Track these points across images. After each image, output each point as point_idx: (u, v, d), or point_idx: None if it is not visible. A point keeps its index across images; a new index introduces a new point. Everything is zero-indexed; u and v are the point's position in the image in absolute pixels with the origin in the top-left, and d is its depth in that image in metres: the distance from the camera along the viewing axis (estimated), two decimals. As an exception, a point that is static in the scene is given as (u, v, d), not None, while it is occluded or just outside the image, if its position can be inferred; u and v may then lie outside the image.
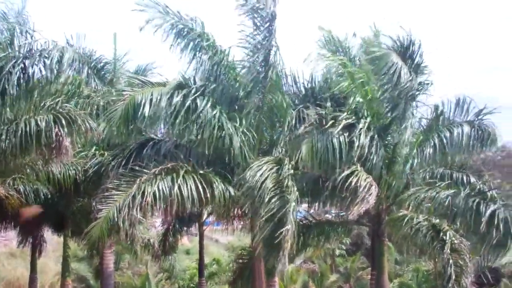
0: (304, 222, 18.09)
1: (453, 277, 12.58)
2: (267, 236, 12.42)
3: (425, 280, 25.52)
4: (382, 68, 14.03)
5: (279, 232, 12.06)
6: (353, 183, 13.09)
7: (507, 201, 14.99)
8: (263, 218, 12.37)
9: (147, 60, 18.49)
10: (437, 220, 13.56)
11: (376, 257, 15.40)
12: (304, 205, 17.19)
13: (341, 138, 13.63)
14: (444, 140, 15.41)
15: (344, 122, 13.71)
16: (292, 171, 13.04)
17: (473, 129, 15.66)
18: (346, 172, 13.29)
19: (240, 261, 18.50)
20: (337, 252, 32.10)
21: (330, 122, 13.64)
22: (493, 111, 15.76)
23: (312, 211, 18.64)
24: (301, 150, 13.43)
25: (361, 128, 13.81)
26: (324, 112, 13.96)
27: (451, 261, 12.74)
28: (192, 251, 35.73)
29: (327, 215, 20.19)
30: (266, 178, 12.71)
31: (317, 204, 15.83)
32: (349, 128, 13.80)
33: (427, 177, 16.04)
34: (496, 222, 13.91)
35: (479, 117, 15.83)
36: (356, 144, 13.68)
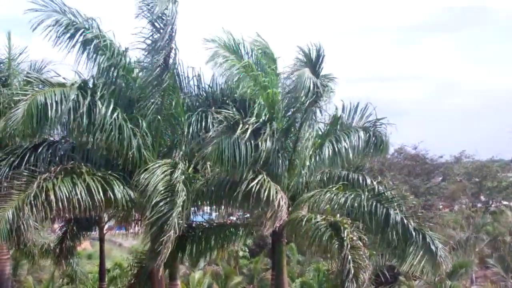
0: (206, 225, 18.16)
1: (352, 272, 12.86)
2: (152, 240, 12.33)
3: (326, 280, 26.17)
4: (295, 80, 14.11)
5: (161, 238, 12.03)
6: (263, 194, 13.16)
7: (403, 203, 15.63)
8: (149, 221, 12.27)
9: (45, 59, 17.57)
10: (335, 218, 13.82)
11: (276, 257, 15.59)
12: (207, 208, 17.12)
13: (248, 143, 13.62)
14: (341, 145, 15.80)
15: (252, 126, 13.75)
16: (183, 177, 12.96)
17: (368, 135, 16.15)
18: (255, 182, 13.32)
19: (139, 264, 18.25)
20: (241, 253, 32.30)
21: (240, 126, 13.66)
22: (384, 119, 16.21)
23: (216, 214, 18.68)
24: (209, 153, 13.31)
25: (266, 132, 13.90)
26: (230, 116, 13.94)
27: (349, 257, 13.03)
28: (95, 256, 34.90)
29: (231, 217, 20.23)
30: (158, 181, 12.61)
31: (223, 207, 15.74)
32: (255, 132, 13.83)
33: (325, 178, 16.45)
34: (392, 223, 14.45)
35: (375, 124, 16.31)
36: (262, 148, 13.76)
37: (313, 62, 14.27)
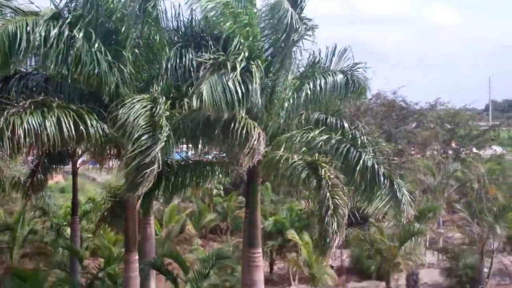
0: (182, 162, 18.14)
1: (331, 208, 13.01)
2: (132, 173, 12.17)
3: (298, 219, 26.61)
4: (274, 15, 13.78)
5: (143, 171, 11.89)
6: (241, 131, 13.01)
7: (375, 147, 15.77)
8: (131, 154, 12.10)
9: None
10: (313, 157, 13.86)
11: (250, 196, 15.70)
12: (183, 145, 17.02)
13: (236, 82, 13.11)
14: (319, 87, 15.70)
15: (239, 65, 13.28)
16: (167, 112, 12.76)
17: (346, 78, 16.02)
18: (235, 121, 13.12)
19: (113, 199, 18.25)
20: (215, 191, 32.59)
21: (229, 65, 13.32)
22: (362, 64, 16.11)
23: (192, 151, 18.61)
24: (200, 91, 12.94)
25: (254, 71, 13.53)
26: (217, 56, 13.54)
27: (328, 194, 13.14)
28: (68, 190, 34.81)
29: (207, 156, 20.22)
30: (138, 116, 12.36)
31: (200, 146, 15.61)
32: (242, 71, 13.36)
33: (303, 121, 16.43)
34: (363, 167, 14.57)
35: (353, 68, 16.19)
36: (252, 87, 13.45)
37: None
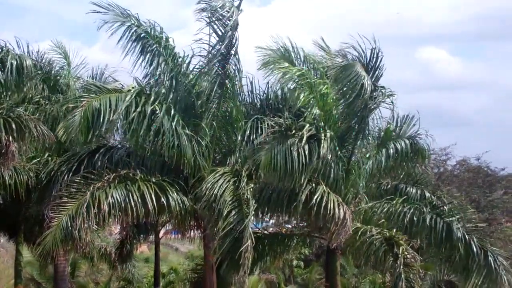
0: (262, 233, 18.11)
1: None
2: (226, 250, 12.34)
3: (382, 293, 25.64)
4: (345, 78, 13.88)
5: (239, 249, 12.06)
6: (324, 207, 12.92)
7: (463, 216, 15.21)
8: (222, 232, 12.27)
9: (104, 66, 17.90)
10: (391, 233, 13.57)
11: (330, 268, 15.41)
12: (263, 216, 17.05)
13: (301, 150, 13.28)
14: (391, 154, 15.47)
15: (306, 133, 13.48)
16: (251, 185, 12.94)
17: (411, 144, 15.72)
18: (317, 194, 13.06)
19: (196, 272, 18.37)
20: (295, 262, 32.12)
21: (292, 132, 13.50)
22: (427, 133, 15.83)
23: (272, 221, 18.61)
24: (260, 160, 13.22)
25: (323, 140, 13.64)
26: (283, 122, 13.79)
27: (403, 275, 12.78)
28: (152, 259, 35.26)
29: (287, 226, 20.14)
30: (224, 191, 12.62)
31: (280, 216, 15.64)
32: (309, 139, 13.58)
33: (382, 190, 16.17)
34: (453, 239, 14.09)
35: (416, 134, 15.87)
36: (316, 155, 13.50)
37: (367, 61, 14.00)
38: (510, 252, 29.62)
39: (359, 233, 13.62)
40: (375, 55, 13.93)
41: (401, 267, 12.82)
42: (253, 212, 12.48)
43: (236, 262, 12.27)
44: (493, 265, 14.03)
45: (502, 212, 38.25)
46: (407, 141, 15.67)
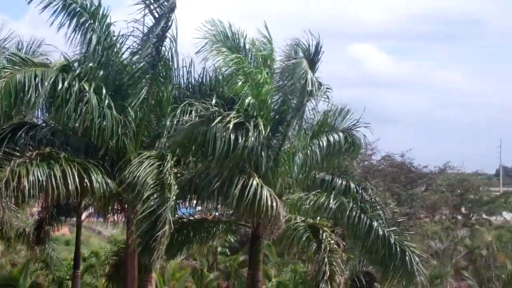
0: (188, 219, 17.97)
1: (327, 274, 12.81)
2: (143, 234, 12.12)
3: (302, 281, 26.07)
4: (286, 72, 13.91)
5: (155, 233, 11.88)
6: (257, 199, 12.86)
7: (385, 210, 15.63)
8: (141, 215, 12.07)
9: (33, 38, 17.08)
10: (315, 220, 13.76)
11: (253, 255, 15.47)
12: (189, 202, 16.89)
13: (228, 136, 13.27)
14: (324, 146, 15.64)
15: (234, 120, 13.45)
16: (175, 169, 12.80)
17: (345, 137, 15.83)
18: (252, 189, 12.97)
19: (117, 255, 18.05)
20: (220, 249, 32.16)
21: (219, 118, 13.40)
22: (361, 123, 16.00)
23: (199, 208, 18.48)
24: (179, 140, 13.06)
25: (251, 129, 13.60)
26: (212, 108, 13.69)
27: (326, 259, 13.01)
28: (73, 242, 34.44)
29: (214, 213, 20.07)
30: (147, 174, 12.40)
31: (210, 204, 15.55)
32: (236, 127, 13.57)
33: (309, 181, 16.33)
34: (374, 234, 14.44)
35: (353, 127, 16.02)
36: (244, 144, 13.49)
37: (311, 57, 13.94)
38: (427, 246, 30.93)
39: (284, 221, 13.67)
40: (315, 50, 13.95)
41: (325, 252, 13.04)
42: (174, 197, 12.34)
43: (152, 246, 12.09)
44: (409, 262, 14.47)
45: (422, 207, 39.77)
46: (341, 134, 15.81)
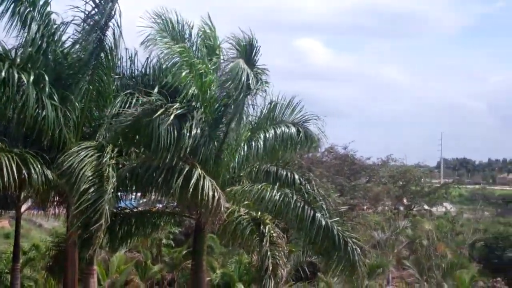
0: (131, 210, 17.75)
1: (270, 268, 12.88)
2: (82, 227, 11.91)
3: (247, 272, 26.22)
4: (232, 75, 13.82)
5: (90, 226, 11.71)
6: (198, 189, 12.74)
7: (328, 201, 15.79)
8: (79, 208, 11.83)
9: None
10: (258, 214, 13.80)
11: (197, 247, 15.42)
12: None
13: (170, 128, 13.18)
14: (271, 139, 15.72)
15: (176, 111, 13.42)
16: (113, 161, 12.58)
17: (298, 131, 16.02)
18: (194, 179, 12.86)
19: (57, 247, 17.68)
20: (164, 242, 31.99)
21: (162, 110, 13.28)
22: (319, 116, 16.23)
23: (144, 200, 18.25)
24: (121, 130, 12.85)
25: (193, 120, 13.61)
26: (155, 99, 13.55)
27: (269, 253, 13.06)
28: (13, 235, 33.58)
29: (158, 205, 19.90)
30: (85, 166, 12.14)
31: (153, 196, 15.34)
32: (179, 118, 13.49)
33: (254, 173, 16.37)
34: (317, 226, 14.56)
35: (305, 121, 16.25)
36: (188, 135, 13.47)
37: (247, 52, 13.93)
38: (369, 237, 31.61)
39: (228, 213, 13.68)
40: (253, 45, 13.93)
41: (267, 245, 13.08)
42: (112, 190, 12.12)
43: (88, 239, 11.91)
44: (351, 252, 14.67)
45: (365, 198, 40.55)
46: (292, 127, 15.89)
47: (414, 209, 48.85)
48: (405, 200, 49.49)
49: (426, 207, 51.09)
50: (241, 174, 15.87)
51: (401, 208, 48.10)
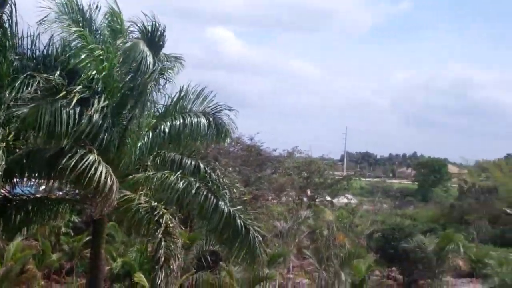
0: (27, 197, 17.12)
1: (163, 259, 12.87)
2: None
3: (148, 261, 25.94)
4: (130, 56, 13.56)
5: None
6: (94, 175, 12.52)
7: (233, 191, 15.94)
8: None
9: None
10: (156, 203, 13.72)
11: (95, 235, 15.16)
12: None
13: (72, 112, 12.86)
14: (179, 128, 15.62)
15: (78, 95, 13.06)
16: (3, 144, 12.08)
17: (208, 120, 15.91)
18: (87, 162, 12.60)
19: None
20: (63, 230, 31.15)
21: (63, 93, 12.89)
22: (231, 107, 16.18)
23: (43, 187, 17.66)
24: (26, 116, 12.41)
25: (95, 104, 13.31)
26: (55, 81, 13.11)
27: (163, 243, 13.04)
28: None
29: (57, 192, 19.29)
30: None
31: (50, 181, 14.86)
32: (80, 102, 13.15)
33: (158, 161, 16.24)
34: (220, 214, 14.65)
35: (216, 111, 16.17)
36: (88, 120, 13.15)
37: (151, 36, 13.81)
38: (272, 226, 32.18)
39: (127, 201, 13.52)
40: (157, 29, 13.80)
41: (163, 235, 13.05)
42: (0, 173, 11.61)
43: None
44: (252, 240, 14.92)
45: (270, 189, 41.14)
46: (202, 117, 15.76)
47: (317, 200, 50.14)
48: (308, 191, 50.68)
49: (328, 198, 52.60)
50: (148, 163, 15.72)
51: (305, 199, 49.23)
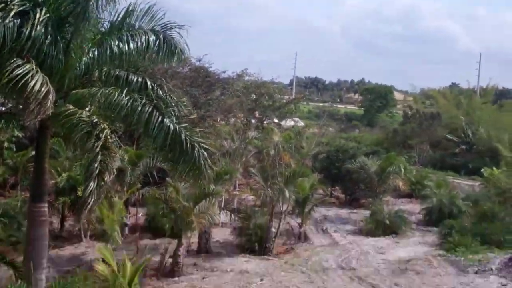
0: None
1: (97, 171, 13.10)
2: None
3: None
4: None
5: None
6: (29, 85, 12.28)
7: (179, 110, 15.97)
8: None
9: None
10: (97, 119, 13.73)
11: (39, 149, 15.17)
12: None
13: (11, 24, 12.60)
14: (125, 45, 15.36)
15: (17, 9, 12.72)
16: None
17: (158, 39, 15.66)
18: (22, 70, 12.35)
19: None
20: (6, 145, 30.88)
21: (1, 6, 12.54)
22: (181, 25, 15.86)
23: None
24: None
25: (37, 17, 13.01)
26: None
27: (100, 157, 13.19)
28: None
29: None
30: None
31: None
32: (19, 15, 12.84)
33: (103, 76, 16.08)
34: (165, 131, 14.75)
35: (166, 29, 15.84)
36: (29, 34, 12.88)
37: None
38: (220, 146, 32.60)
39: (68, 115, 13.52)
40: None
41: (100, 149, 13.19)
42: None
43: None
44: (197, 157, 15.14)
45: (218, 110, 41.27)
46: (152, 35, 15.50)
47: (265, 122, 50.73)
48: (257, 113, 51.13)
49: (276, 120, 53.29)
50: (94, 79, 15.55)
51: (253, 121, 49.72)
